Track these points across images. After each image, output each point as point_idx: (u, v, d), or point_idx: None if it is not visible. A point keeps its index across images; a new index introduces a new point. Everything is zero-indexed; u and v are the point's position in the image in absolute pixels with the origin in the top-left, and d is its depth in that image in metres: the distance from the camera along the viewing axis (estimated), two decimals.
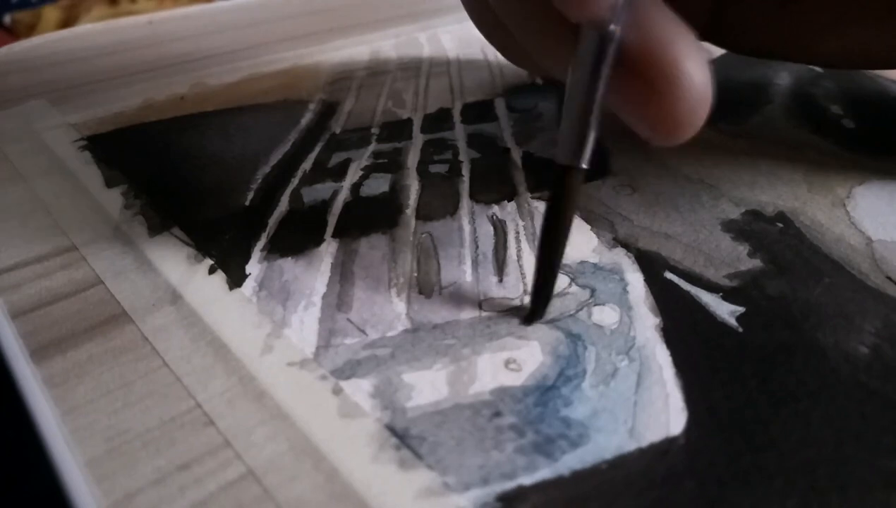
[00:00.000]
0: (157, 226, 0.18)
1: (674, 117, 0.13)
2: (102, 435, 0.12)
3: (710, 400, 0.13)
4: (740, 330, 0.15)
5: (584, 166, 0.13)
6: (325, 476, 0.12)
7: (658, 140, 0.14)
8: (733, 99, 0.25)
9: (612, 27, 0.13)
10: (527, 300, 0.15)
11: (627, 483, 0.12)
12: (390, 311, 0.15)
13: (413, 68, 0.28)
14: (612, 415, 0.13)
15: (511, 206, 0.19)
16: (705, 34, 0.21)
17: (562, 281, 0.16)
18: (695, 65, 0.13)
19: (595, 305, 0.15)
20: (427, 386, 0.13)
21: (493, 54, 0.29)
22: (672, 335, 0.15)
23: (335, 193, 0.19)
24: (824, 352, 0.14)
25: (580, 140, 0.13)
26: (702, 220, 0.18)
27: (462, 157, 0.21)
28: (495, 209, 0.19)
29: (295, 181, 0.20)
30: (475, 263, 0.17)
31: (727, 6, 0.20)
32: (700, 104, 0.13)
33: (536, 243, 0.15)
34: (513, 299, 0.16)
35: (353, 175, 0.20)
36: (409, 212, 0.19)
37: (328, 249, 0.17)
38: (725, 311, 0.15)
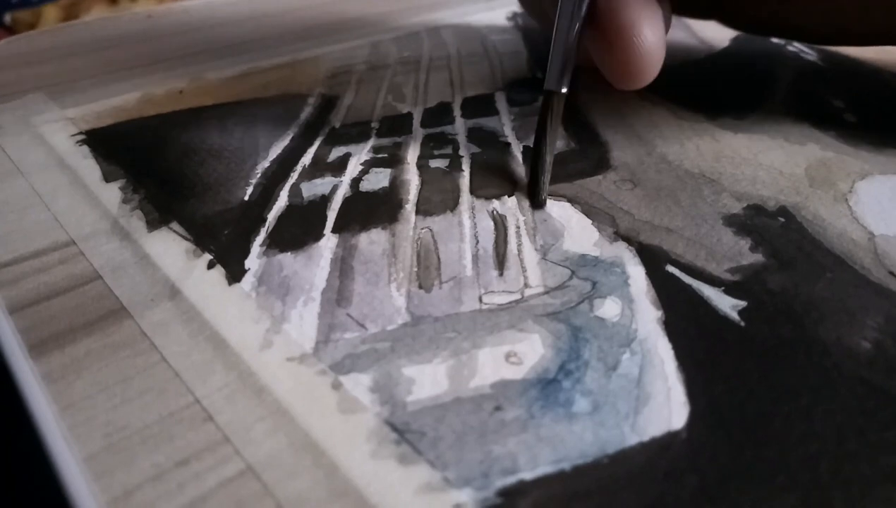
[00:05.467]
0: (156, 221, 0.18)
1: (628, 67, 0.17)
2: (101, 431, 0.12)
3: (711, 394, 0.13)
4: (742, 324, 0.15)
5: (564, 91, 0.18)
6: (325, 472, 0.12)
7: (617, 84, 0.18)
8: (734, 93, 0.25)
9: None
10: (528, 293, 0.15)
11: (629, 477, 0.12)
12: (390, 306, 0.15)
13: (413, 62, 0.27)
14: (614, 409, 0.13)
15: (511, 201, 0.19)
16: (708, 8, 0.23)
17: (563, 274, 0.16)
18: (647, 25, 0.16)
19: (596, 298, 0.15)
20: (427, 379, 0.13)
21: (493, 48, 0.28)
22: (674, 328, 0.15)
23: (335, 188, 0.19)
24: (826, 348, 0.14)
25: (561, 71, 0.18)
26: (703, 215, 0.18)
27: (462, 152, 0.21)
28: (496, 204, 0.19)
29: (294, 176, 0.20)
30: (475, 258, 0.17)
31: None
32: (650, 59, 0.16)
33: (532, 149, 0.19)
34: (513, 293, 0.15)
35: (352, 169, 0.20)
36: (409, 207, 0.19)
37: (328, 244, 0.17)
38: (727, 305, 0.15)
